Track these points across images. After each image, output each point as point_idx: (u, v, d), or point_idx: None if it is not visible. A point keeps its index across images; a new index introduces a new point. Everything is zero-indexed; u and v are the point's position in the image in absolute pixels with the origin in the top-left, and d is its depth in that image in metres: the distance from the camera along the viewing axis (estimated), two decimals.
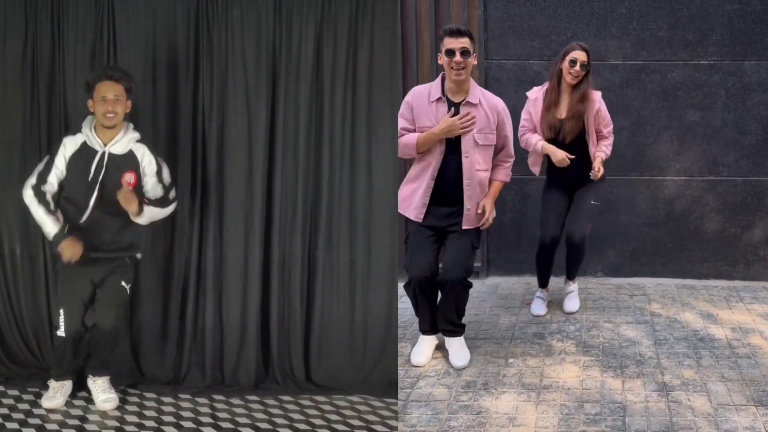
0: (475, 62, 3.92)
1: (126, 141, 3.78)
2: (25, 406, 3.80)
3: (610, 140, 4.67)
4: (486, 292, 5.06)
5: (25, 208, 4.13)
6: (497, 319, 4.75)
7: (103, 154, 3.74)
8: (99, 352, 3.87)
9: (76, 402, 3.89)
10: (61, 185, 3.76)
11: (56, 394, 3.85)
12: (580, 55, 4.51)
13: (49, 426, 3.60)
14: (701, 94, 5.40)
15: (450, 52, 3.82)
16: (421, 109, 3.95)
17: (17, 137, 4.16)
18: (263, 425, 3.72)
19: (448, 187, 3.97)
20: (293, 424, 3.75)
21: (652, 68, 5.43)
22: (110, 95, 3.69)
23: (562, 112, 4.55)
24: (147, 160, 3.81)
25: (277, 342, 4.24)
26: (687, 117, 5.38)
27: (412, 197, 4.02)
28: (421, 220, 4.00)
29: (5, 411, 3.73)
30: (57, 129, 4.16)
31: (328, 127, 4.25)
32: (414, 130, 3.97)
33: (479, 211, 3.97)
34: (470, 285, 4.05)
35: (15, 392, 3.95)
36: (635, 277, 5.04)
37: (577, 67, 4.49)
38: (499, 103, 4.02)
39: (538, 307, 4.87)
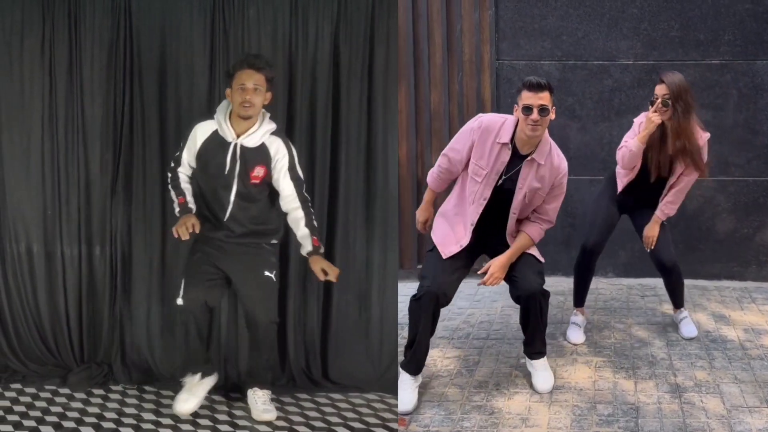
0: (553, 117, 3.53)
1: (260, 133, 3.59)
2: (42, 404, 3.81)
3: (684, 188, 4.18)
4: (497, 292, 5.04)
5: (39, 206, 4.19)
6: (509, 319, 4.74)
7: (236, 146, 3.56)
8: (257, 354, 3.79)
9: (93, 399, 3.90)
10: (195, 180, 3.66)
11: (189, 396, 3.67)
12: (658, 90, 4.02)
13: (66, 424, 3.62)
14: (713, 94, 5.39)
15: (527, 109, 3.46)
16: (483, 144, 3.59)
17: (35, 136, 4.16)
18: (279, 422, 3.73)
19: (484, 228, 3.70)
20: (309, 422, 3.77)
21: (664, 68, 5.42)
22: (249, 84, 3.48)
23: (669, 148, 4.06)
24: (281, 153, 3.59)
25: (293, 340, 4.24)
26: (698, 117, 5.37)
27: (449, 233, 3.71)
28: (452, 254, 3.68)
29: (23, 409, 3.75)
30: (74, 128, 4.16)
31: (344, 126, 4.25)
32: (454, 159, 3.67)
33: (480, 272, 3.69)
34: (548, 293, 3.72)
35: (32, 390, 3.96)
36: (646, 277, 5.03)
37: (659, 104, 3.98)
38: (563, 167, 3.67)
39: (576, 335, 4.39)
